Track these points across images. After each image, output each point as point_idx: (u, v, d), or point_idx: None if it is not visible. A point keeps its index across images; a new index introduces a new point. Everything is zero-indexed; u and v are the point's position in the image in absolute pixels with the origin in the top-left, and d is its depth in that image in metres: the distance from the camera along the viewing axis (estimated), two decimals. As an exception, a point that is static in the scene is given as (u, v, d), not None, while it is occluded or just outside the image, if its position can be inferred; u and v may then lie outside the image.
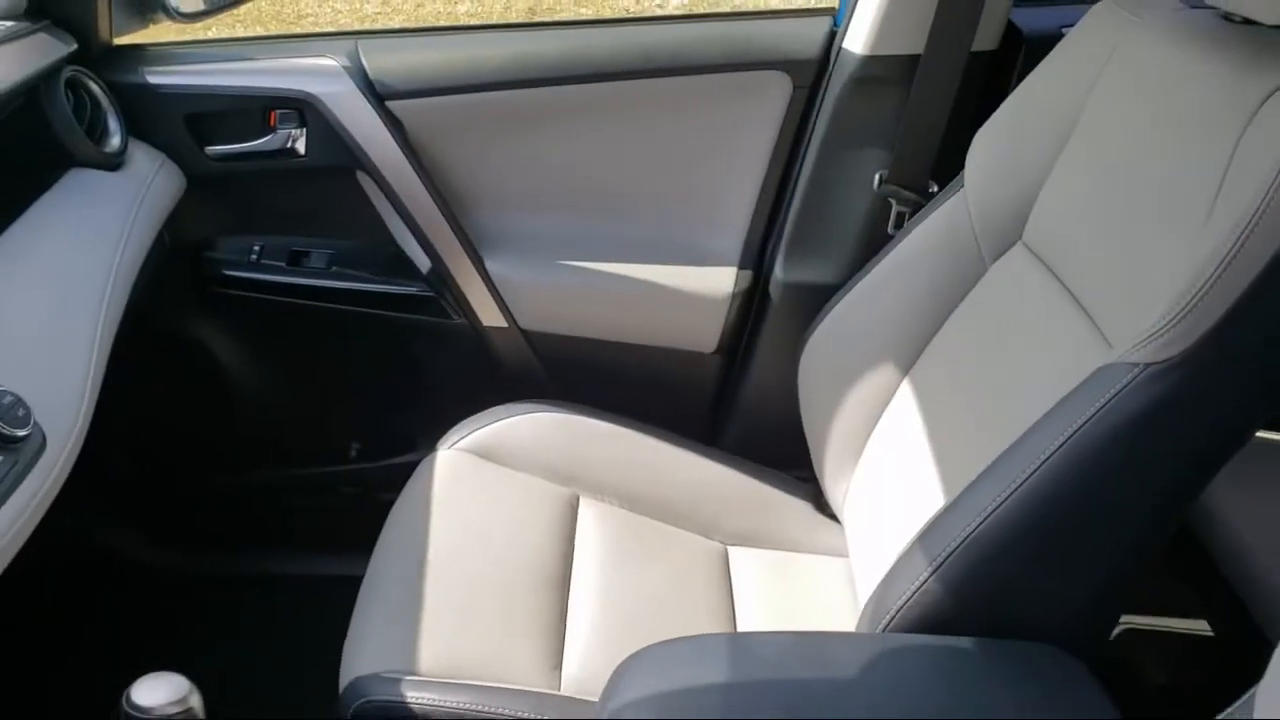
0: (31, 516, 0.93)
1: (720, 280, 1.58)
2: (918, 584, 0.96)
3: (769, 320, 1.59)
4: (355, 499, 1.75)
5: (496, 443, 1.42)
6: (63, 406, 1.01)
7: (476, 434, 1.43)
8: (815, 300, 1.41)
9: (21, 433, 0.92)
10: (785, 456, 1.48)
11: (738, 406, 1.66)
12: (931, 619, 0.96)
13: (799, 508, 1.46)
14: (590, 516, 1.37)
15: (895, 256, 1.34)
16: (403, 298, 1.61)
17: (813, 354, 1.41)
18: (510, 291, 1.59)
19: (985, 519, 0.93)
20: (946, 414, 1.21)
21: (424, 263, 1.59)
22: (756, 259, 1.59)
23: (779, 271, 1.56)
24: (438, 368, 1.68)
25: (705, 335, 1.61)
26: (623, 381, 1.62)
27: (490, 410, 1.46)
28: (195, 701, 0.87)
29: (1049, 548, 0.93)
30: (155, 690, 0.86)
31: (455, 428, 1.44)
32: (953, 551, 0.94)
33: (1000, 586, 0.94)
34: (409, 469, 1.41)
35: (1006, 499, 0.93)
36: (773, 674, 0.90)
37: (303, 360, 1.70)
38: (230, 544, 1.78)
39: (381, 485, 1.48)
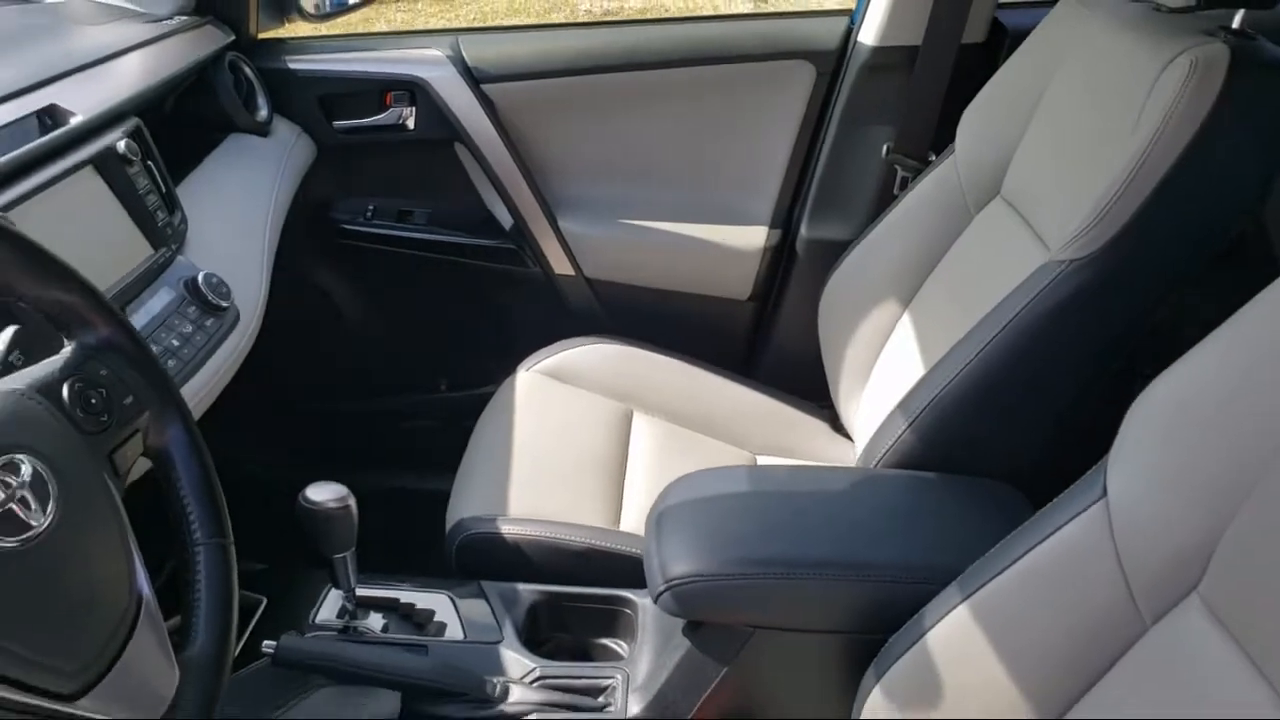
0: (228, 371, 1.25)
1: (753, 237, 1.87)
2: (896, 436, 1.25)
3: (795, 271, 1.87)
4: (443, 425, 2.04)
5: (565, 367, 1.71)
6: (247, 295, 1.33)
7: (548, 360, 1.72)
8: (834, 253, 1.67)
9: (224, 304, 1.24)
10: (808, 388, 1.74)
11: (767, 345, 1.94)
12: (907, 462, 1.24)
13: (818, 427, 1.72)
14: (642, 427, 1.64)
15: (898, 212, 1.61)
16: (488, 250, 1.92)
17: (830, 297, 1.68)
18: (578, 245, 1.90)
19: (946, 386, 1.22)
20: (933, 335, 1.48)
21: (507, 220, 1.90)
22: (785, 219, 1.87)
23: (804, 229, 1.84)
24: (515, 310, 1.98)
25: (740, 284, 1.90)
26: (669, 322, 1.90)
27: (559, 343, 1.74)
28: (351, 502, 1.17)
29: (993, 408, 1.21)
30: (322, 490, 1.16)
31: (531, 356, 1.73)
32: (922, 410, 1.23)
33: (959, 436, 1.22)
34: (488, 399, 1.68)
35: (960, 371, 1.21)
36: (780, 486, 1.19)
37: (405, 303, 2.01)
38: (335, 463, 2.07)
39: (465, 413, 1.73)
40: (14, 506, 0.67)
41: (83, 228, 1.14)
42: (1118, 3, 1.40)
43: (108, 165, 1.20)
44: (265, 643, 1.13)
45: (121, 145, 1.22)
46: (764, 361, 1.94)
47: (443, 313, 2.01)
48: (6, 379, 0.77)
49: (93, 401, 0.79)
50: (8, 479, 0.68)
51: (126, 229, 1.20)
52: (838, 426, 1.70)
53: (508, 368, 1.72)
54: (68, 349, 0.82)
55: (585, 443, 1.57)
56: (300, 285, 1.93)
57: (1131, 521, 0.83)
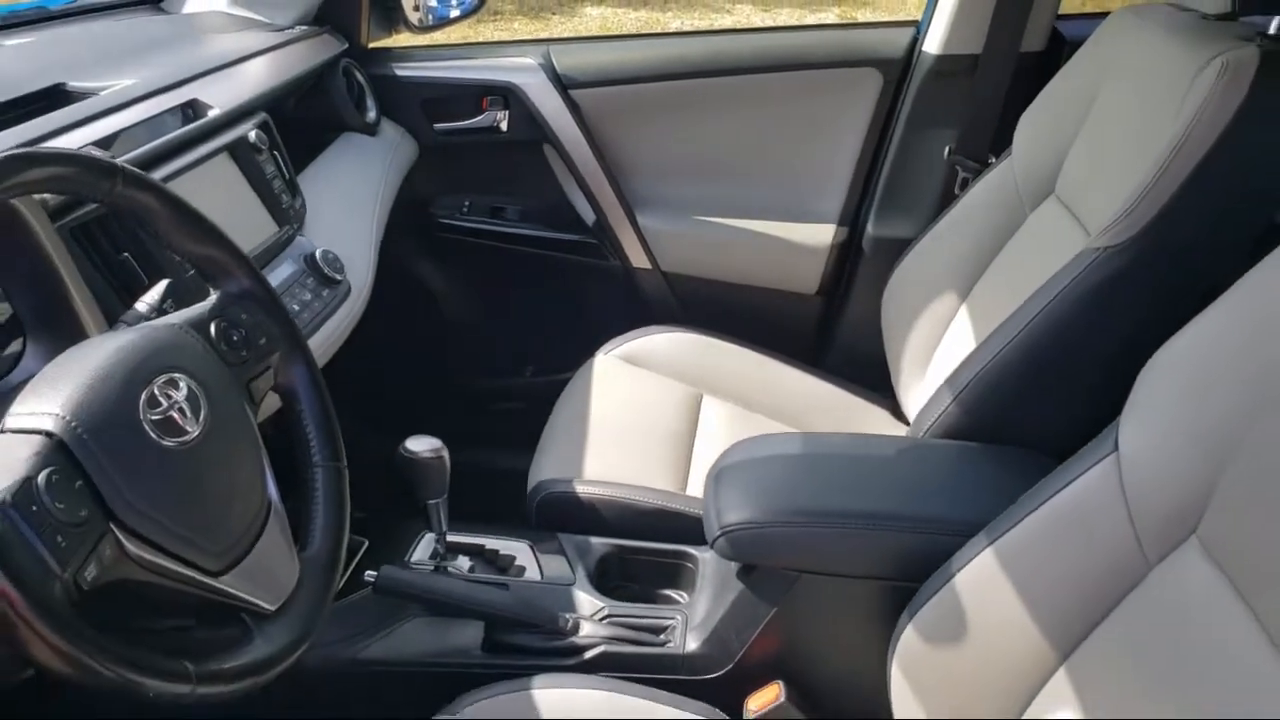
0: (339, 338, 1.40)
1: (822, 234, 1.98)
2: (943, 409, 1.35)
3: (861, 267, 1.97)
4: (526, 408, 2.17)
5: (640, 353, 1.83)
6: (357, 273, 1.48)
7: (625, 346, 1.84)
8: (898, 250, 1.77)
9: (339, 278, 1.40)
10: (871, 379, 1.83)
11: (833, 338, 2.04)
12: (951, 433, 1.34)
13: (879, 415, 1.81)
14: (710, 409, 1.75)
15: (958, 211, 1.70)
16: (572, 244, 2.07)
17: (893, 291, 1.78)
18: (655, 240, 2.03)
19: (988, 363, 1.31)
20: (986, 323, 1.56)
21: (589, 216, 2.04)
22: (852, 217, 1.98)
23: (870, 227, 1.94)
24: (596, 301, 2.12)
25: (808, 279, 2.01)
26: (740, 314, 2.02)
27: (636, 330, 1.87)
28: (445, 453, 1.31)
29: (1031, 384, 1.30)
30: (420, 442, 1.30)
31: (609, 342, 1.86)
32: (966, 385, 1.33)
33: (998, 410, 1.31)
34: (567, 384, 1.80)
35: (1002, 350, 1.30)
36: (829, 449, 1.30)
37: (494, 293, 2.16)
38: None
39: (547, 398, 1.84)
40: (174, 414, 0.82)
41: (219, 205, 1.30)
42: (1168, 12, 1.48)
43: (240, 152, 1.37)
44: (367, 573, 1.28)
45: (252, 135, 1.39)
46: (830, 353, 2.04)
47: (528, 302, 2.16)
48: (166, 317, 0.93)
49: (234, 339, 0.95)
50: (170, 392, 0.83)
51: (255, 208, 1.36)
52: (898, 414, 1.78)
53: (587, 355, 1.85)
54: (214, 296, 0.97)
55: (657, 419, 1.69)
56: (400, 274, 2.09)
57: (1139, 472, 0.93)
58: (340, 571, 0.96)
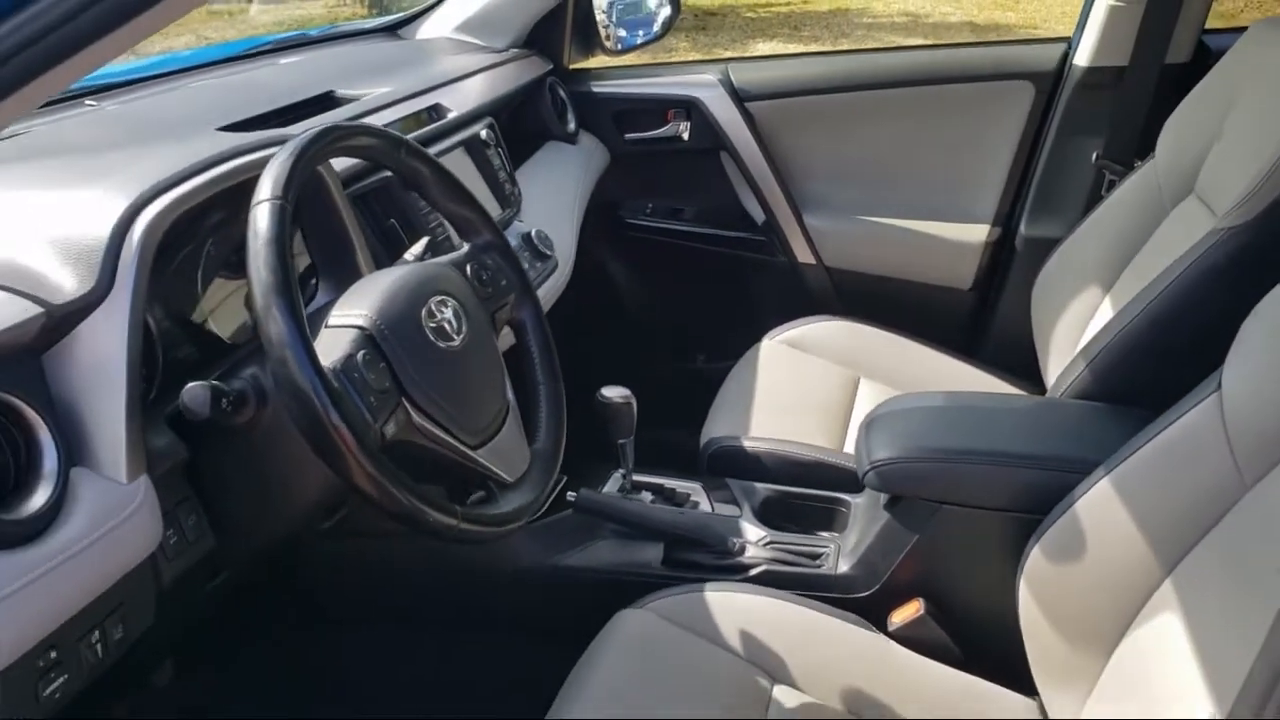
0: (546, 304, 1.65)
1: (976, 233, 2.15)
2: (1076, 375, 1.50)
3: (1014, 265, 2.13)
4: (698, 392, 2.40)
5: (803, 339, 2.03)
6: (562, 255, 1.74)
7: (790, 332, 2.05)
8: (1048, 249, 1.90)
9: (549, 254, 1.66)
10: (1020, 371, 1.97)
11: (986, 331, 2.20)
12: (1081, 395, 1.49)
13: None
14: (866, 389, 1.92)
15: (1103, 210, 1.84)
16: (744, 241, 2.29)
17: (1043, 286, 1.92)
18: (820, 238, 2.24)
19: (1118, 334, 1.46)
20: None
21: (759, 216, 2.27)
22: (1005, 218, 2.14)
23: (1023, 227, 2.10)
24: (764, 293, 2.33)
25: (963, 274, 2.18)
26: (898, 306, 2.19)
27: (800, 319, 2.08)
28: (633, 400, 1.55)
29: (1155, 352, 1.43)
30: (612, 390, 1.54)
31: (774, 329, 2.07)
32: (1098, 354, 1.48)
33: (1125, 375, 1.45)
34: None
35: (1131, 321, 1.45)
36: (970, 402, 1.48)
37: (672, 286, 2.40)
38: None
39: (716, 382, 2.01)
40: (444, 324, 1.08)
41: (457, 189, 1.59)
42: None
43: (473, 148, 1.66)
44: (569, 493, 1.52)
45: (483, 134, 1.68)
46: (982, 345, 2.19)
47: (702, 295, 2.39)
48: (435, 259, 1.20)
49: (483, 278, 1.20)
50: (441, 309, 1.09)
51: (485, 193, 1.64)
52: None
53: (755, 344, 2.05)
54: (466, 247, 1.24)
55: (817, 394, 1.88)
56: (590, 267, 2.35)
57: (1239, 403, 1.08)
58: (559, 462, 1.21)
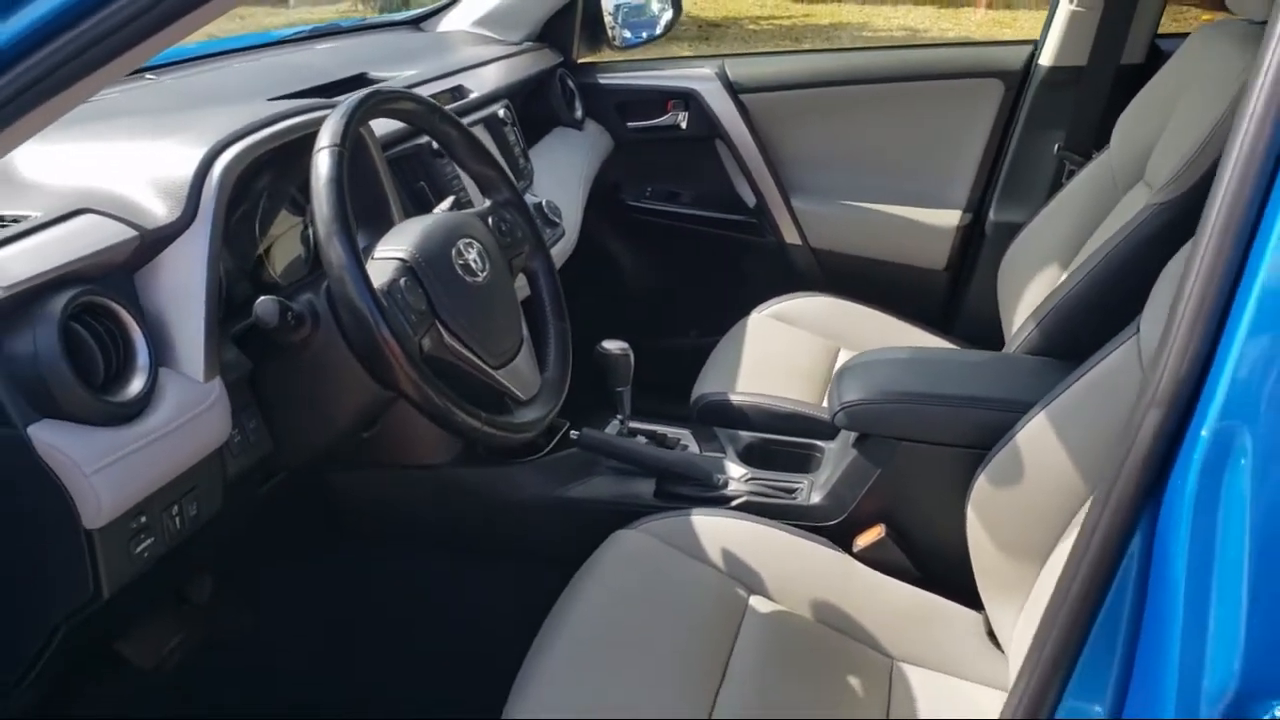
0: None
1: (950, 218, 2.34)
2: (1027, 333, 1.68)
3: (984, 248, 2.31)
4: (690, 365, 2.58)
5: (788, 312, 2.21)
6: (569, 225, 1.93)
7: (775, 306, 2.22)
8: (1014, 232, 2.09)
9: (558, 221, 1.84)
10: (990, 344, 2.16)
11: (958, 308, 2.38)
12: (1033, 351, 1.67)
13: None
14: (845, 357, 2.07)
15: (1063, 196, 2.02)
16: (735, 223, 2.48)
17: (1007, 266, 2.09)
18: (807, 221, 2.42)
19: (1063, 296, 1.64)
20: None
21: (750, 200, 2.45)
22: (977, 204, 2.33)
23: (992, 213, 2.29)
24: (753, 272, 2.52)
25: (937, 256, 2.37)
26: (877, 285, 2.37)
27: (789, 294, 2.26)
28: (630, 352, 1.73)
29: (1097, 312, 1.61)
30: (610, 343, 1.73)
31: (763, 304, 2.25)
32: (1046, 315, 1.66)
33: (1068, 332, 1.63)
34: None
35: (1075, 286, 1.63)
36: (930, 354, 1.66)
37: (668, 265, 2.59)
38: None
39: (706, 356, 2.16)
40: (471, 262, 1.26)
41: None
42: (1242, 25, 1.79)
43: (491, 124, 1.84)
44: (572, 432, 1.70)
45: (501, 112, 1.87)
46: (954, 321, 2.38)
47: (697, 272, 2.57)
48: (461, 210, 1.38)
49: (502, 229, 1.39)
50: (468, 249, 1.27)
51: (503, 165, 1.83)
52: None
53: (742, 319, 2.24)
54: (487, 202, 1.42)
55: (800, 360, 2.06)
56: (592, 246, 2.53)
57: (1151, 345, 1.26)
58: (565, 389, 1.39)
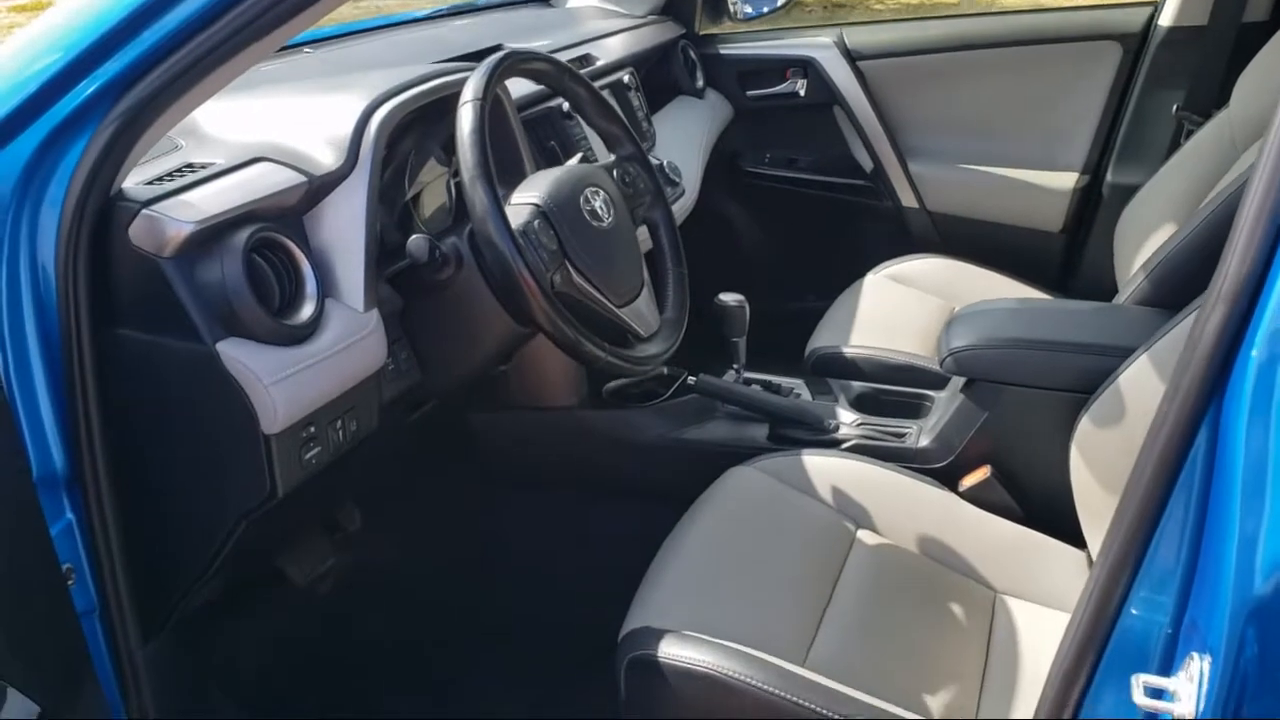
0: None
1: (1066, 180, 2.36)
2: (1136, 285, 1.71)
3: (1101, 210, 2.33)
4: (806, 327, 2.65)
5: (904, 273, 2.26)
6: (689, 185, 2.03)
7: (892, 268, 2.28)
8: (1131, 194, 2.11)
9: (678, 180, 1.95)
10: (1102, 299, 2.18)
11: (1073, 270, 2.40)
12: (1142, 302, 1.70)
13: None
14: None
15: (1180, 156, 2.02)
16: (853, 187, 2.55)
17: (1123, 226, 2.11)
18: (923, 184, 2.47)
19: (1174, 247, 1.66)
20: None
21: (868, 165, 2.51)
22: (1094, 166, 2.35)
23: (1109, 175, 2.30)
24: (870, 235, 2.58)
25: (1054, 218, 2.39)
26: (993, 247, 2.40)
27: (905, 255, 2.32)
28: (746, 304, 1.82)
29: (1207, 262, 1.61)
30: (728, 295, 1.82)
31: (883, 263, 2.31)
32: (1155, 266, 1.68)
33: (1176, 283, 1.64)
34: None
35: (1185, 237, 1.64)
36: (1037, 304, 1.71)
37: (788, 229, 2.67)
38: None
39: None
40: (598, 208, 1.38)
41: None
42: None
43: (617, 89, 1.96)
44: (690, 379, 1.80)
45: (625, 79, 1.98)
46: (1069, 283, 2.39)
47: (814, 237, 2.65)
48: (588, 164, 1.49)
49: (625, 181, 1.50)
50: (595, 197, 1.38)
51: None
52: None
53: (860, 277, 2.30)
54: (612, 156, 1.53)
55: (914, 317, 2.12)
56: (712, 212, 2.62)
57: None
58: (683, 329, 1.49)
